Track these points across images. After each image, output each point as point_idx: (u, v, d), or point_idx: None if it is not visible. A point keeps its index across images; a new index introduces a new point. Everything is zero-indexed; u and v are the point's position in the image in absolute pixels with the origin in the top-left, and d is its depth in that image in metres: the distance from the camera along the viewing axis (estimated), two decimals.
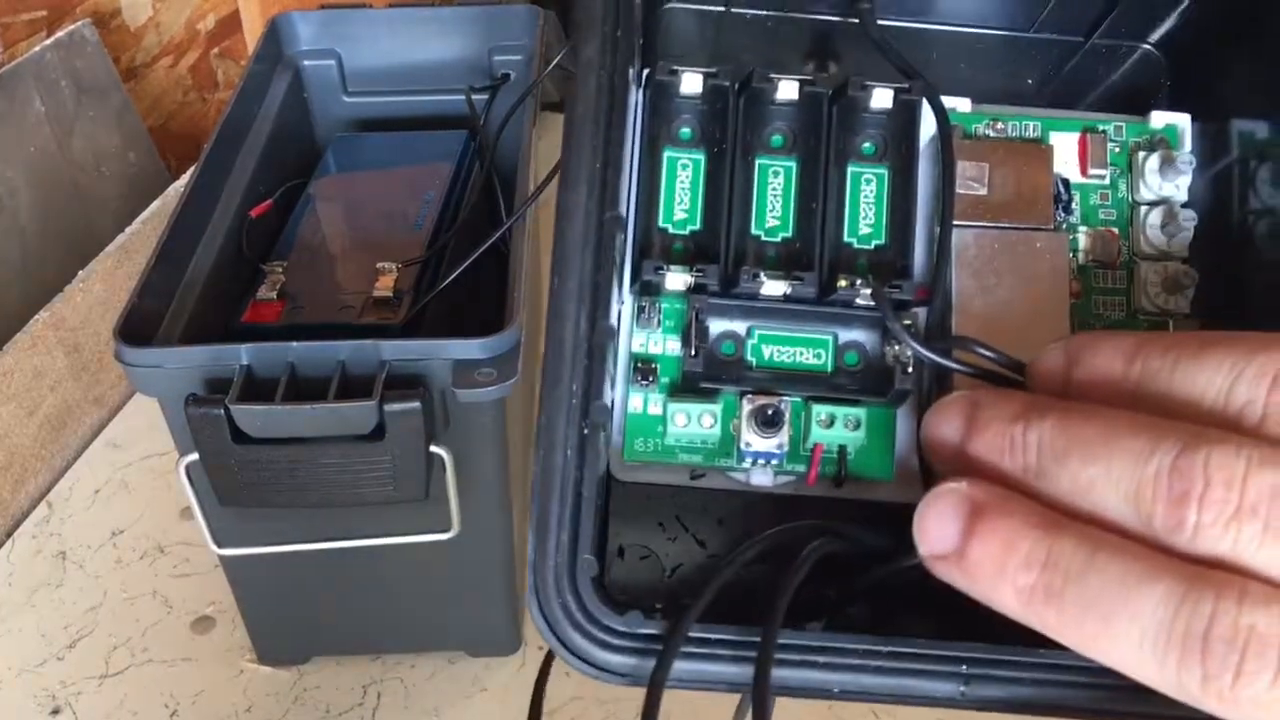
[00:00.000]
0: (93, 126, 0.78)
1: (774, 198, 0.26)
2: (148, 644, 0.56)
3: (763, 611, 0.21)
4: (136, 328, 0.42)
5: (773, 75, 0.26)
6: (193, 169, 0.52)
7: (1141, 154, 0.27)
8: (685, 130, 0.26)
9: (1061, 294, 0.26)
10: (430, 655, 0.55)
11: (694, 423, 0.26)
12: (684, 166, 0.26)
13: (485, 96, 0.65)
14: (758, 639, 0.21)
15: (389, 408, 0.40)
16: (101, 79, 0.79)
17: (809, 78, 0.26)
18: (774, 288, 0.25)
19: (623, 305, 0.26)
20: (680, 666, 0.21)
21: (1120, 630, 0.18)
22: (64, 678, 0.55)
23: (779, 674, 0.21)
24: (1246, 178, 0.26)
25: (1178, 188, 0.27)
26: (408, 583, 0.52)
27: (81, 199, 0.77)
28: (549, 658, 0.24)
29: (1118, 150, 0.28)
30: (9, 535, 0.62)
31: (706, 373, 0.25)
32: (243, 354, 0.40)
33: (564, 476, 0.22)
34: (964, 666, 0.21)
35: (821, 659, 0.21)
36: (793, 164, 0.26)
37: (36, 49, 0.73)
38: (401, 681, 0.54)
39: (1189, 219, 0.27)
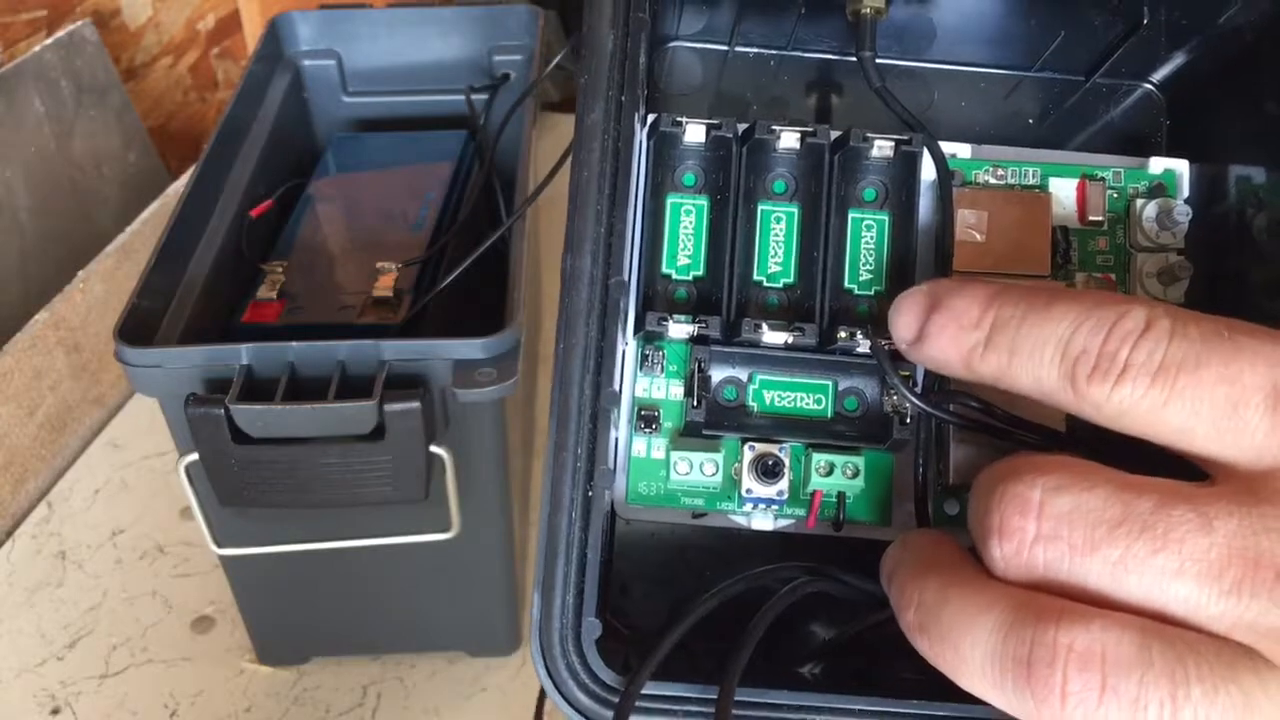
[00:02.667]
0: (92, 126, 0.78)
1: (776, 243, 0.27)
2: (148, 644, 0.56)
3: (724, 664, 0.22)
4: (136, 328, 0.42)
5: (775, 127, 0.26)
6: (193, 169, 0.52)
7: (1139, 201, 0.28)
8: (689, 176, 0.27)
9: None
10: (430, 655, 0.55)
11: (696, 470, 0.26)
12: (687, 212, 0.27)
13: (485, 96, 0.65)
14: (714, 696, 0.22)
15: (389, 408, 0.40)
16: (101, 79, 0.79)
17: (810, 129, 0.26)
18: (775, 337, 0.25)
19: (626, 347, 0.26)
20: None
21: (965, 659, 0.19)
22: (64, 678, 0.55)
23: None
24: (1244, 225, 0.26)
25: (1174, 236, 0.27)
26: (407, 583, 0.52)
27: (81, 199, 0.77)
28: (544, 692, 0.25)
29: (1116, 196, 0.28)
30: (9, 535, 0.62)
31: (709, 421, 0.26)
32: (243, 354, 0.40)
33: (569, 539, 0.22)
34: None
35: (809, 718, 0.22)
36: (795, 210, 0.27)
37: (36, 49, 0.73)
38: (401, 681, 0.54)
39: (1184, 269, 0.27)
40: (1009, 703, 0.19)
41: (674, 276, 0.26)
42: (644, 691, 0.22)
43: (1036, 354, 0.20)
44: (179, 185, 0.79)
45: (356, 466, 0.41)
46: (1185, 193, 0.28)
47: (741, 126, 0.26)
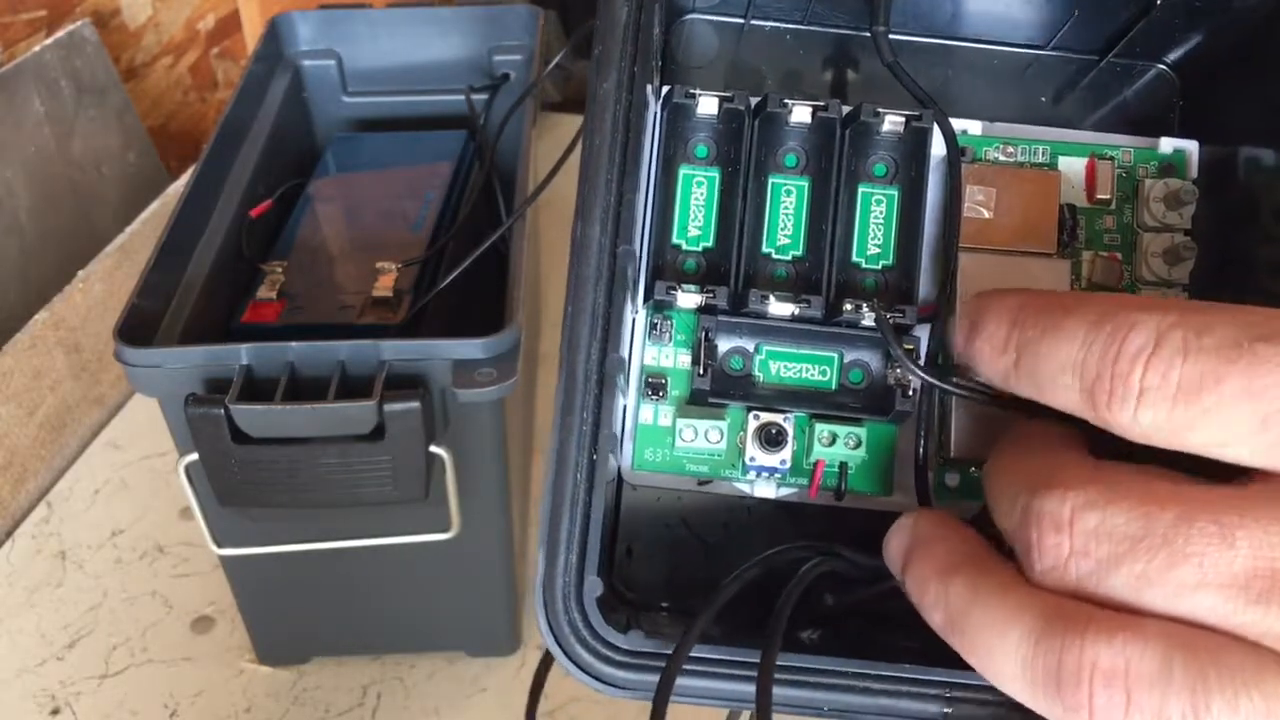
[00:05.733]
0: (92, 126, 0.78)
1: (786, 216, 0.27)
2: (147, 644, 0.56)
3: (764, 634, 0.23)
4: (136, 328, 0.42)
5: (786, 100, 0.26)
6: (192, 169, 0.52)
7: (1148, 181, 0.28)
8: (701, 148, 0.27)
9: None
10: (430, 655, 0.55)
11: (701, 437, 0.27)
12: (699, 184, 0.27)
13: (485, 96, 0.65)
14: (755, 659, 0.22)
15: (389, 408, 0.40)
16: (101, 79, 0.79)
17: (822, 104, 0.26)
18: (781, 309, 0.26)
19: (636, 316, 0.27)
20: (681, 683, 0.22)
21: (998, 665, 0.20)
22: (64, 678, 0.55)
23: (782, 693, 0.22)
24: (1252, 206, 0.27)
25: (1181, 217, 0.27)
26: (408, 583, 0.52)
27: (81, 199, 0.77)
28: (545, 662, 0.25)
29: (1125, 176, 0.28)
30: (9, 535, 0.62)
31: (714, 389, 0.26)
32: (242, 354, 0.40)
33: (573, 500, 0.23)
34: (948, 690, 0.23)
35: (813, 679, 0.23)
36: (805, 184, 0.27)
37: (36, 49, 0.73)
38: (401, 681, 0.54)
39: (1189, 249, 0.27)
40: (1041, 708, 0.19)
41: (684, 247, 0.27)
42: (664, 652, 0.23)
43: (1058, 379, 0.20)
44: (179, 185, 0.79)
45: (356, 466, 0.41)
46: (1194, 173, 0.28)
47: (754, 99, 0.27)
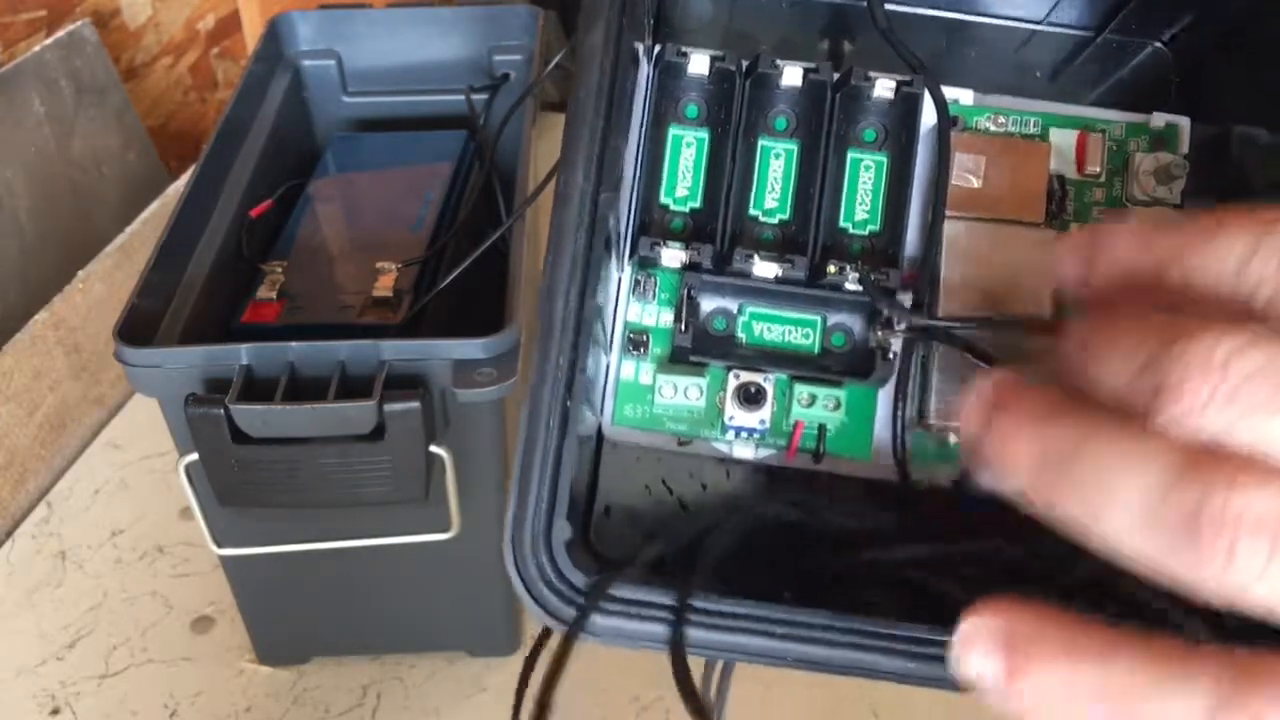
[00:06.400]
0: (92, 126, 0.78)
1: (774, 179, 0.27)
2: (147, 644, 0.56)
3: (683, 574, 0.23)
4: (136, 328, 0.42)
5: (778, 61, 0.26)
6: (192, 169, 0.52)
7: (1139, 155, 0.28)
8: (692, 108, 0.27)
9: (1046, 289, 0.27)
10: (430, 655, 0.55)
11: (681, 394, 0.27)
12: (688, 145, 0.27)
13: (485, 96, 0.65)
14: (674, 602, 0.22)
15: (389, 408, 0.40)
16: (101, 79, 0.79)
17: (813, 65, 0.26)
18: (765, 269, 0.26)
19: (621, 275, 0.27)
20: (640, 628, 0.22)
21: (1111, 512, 0.18)
22: (64, 678, 0.55)
23: (739, 640, 0.22)
24: (1243, 182, 0.27)
25: (1170, 191, 0.28)
26: (408, 583, 0.52)
27: (81, 199, 0.77)
28: (531, 660, 0.25)
29: (1115, 150, 0.28)
30: (9, 535, 0.62)
31: (695, 347, 0.26)
32: (242, 354, 0.40)
33: (545, 445, 0.22)
34: (913, 646, 0.22)
35: (780, 630, 0.22)
36: (794, 147, 0.27)
37: (36, 49, 0.73)
38: (401, 681, 0.54)
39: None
40: (1160, 558, 0.18)
41: (671, 207, 0.27)
42: (612, 593, 0.22)
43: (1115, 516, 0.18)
44: (179, 185, 0.79)
45: (356, 466, 0.41)
46: (1185, 148, 0.28)
47: (745, 61, 0.27)
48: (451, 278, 0.47)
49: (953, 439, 0.27)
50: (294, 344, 0.41)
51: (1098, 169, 0.28)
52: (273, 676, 0.55)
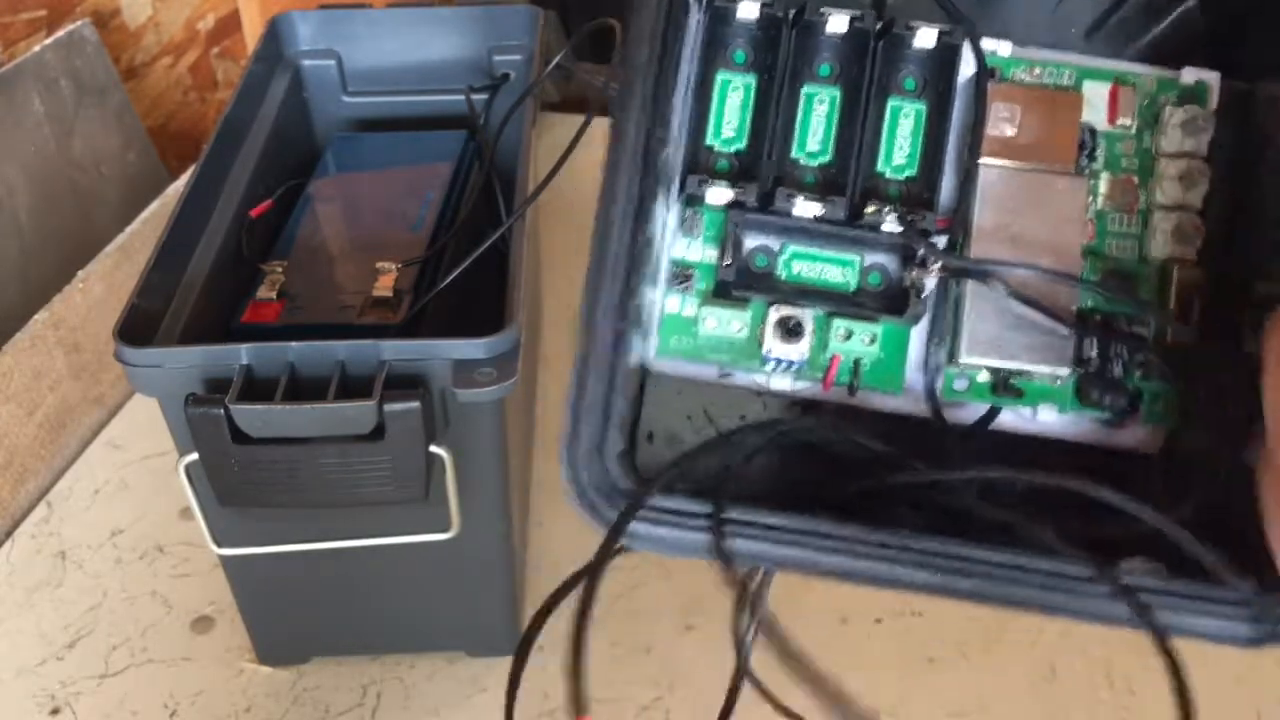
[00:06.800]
0: (92, 126, 0.78)
1: (817, 124, 0.28)
2: (147, 644, 0.56)
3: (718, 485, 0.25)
4: (136, 328, 0.42)
5: (823, 9, 0.28)
6: (192, 169, 0.52)
7: (1168, 108, 0.29)
8: (739, 54, 0.28)
9: (1076, 235, 0.28)
10: (430, 655, 0.55)
11: (723, 326, 0.28)
12: (735, 89, 0.28)
13: (485, 96, 0.65)
14: (712, 513, 0.24)
15: (389, 408, 0.40)
16: (101, 79, 0.79)
17: (858, 14, 0.28)
18: (806, 208, 0.27)
19: (669, 213, 0.28)
20: (679, 536, 0.24)
21: None
22: (63, 678, 0.55)
23: (772, 550, 0.24)
24: (1266, 137, 0.28)
25: (1198, 143, 0.28)
26: (408, 583, 0.52)
27: (81, 199, 0.77)
28: (522, 653, 0.26)
29: (1146, 103, 0.29)
30: (9, 535, 0.62)
31: (738, 282, 0.27)
32: (242, 354, 0.40)
33: (599, 366, 0.24)
34: (939, 559, 0.24)
35: (814, 542, 0.24)
36: (837, 93, 0.28)
37: (36, 49, 0.73)
38: (401, 681, 0.54)
39: (1203, 174, 0.28)
40: None
41: (717, 148, 0.28)
42: (655, 504, 0.24)
43: None
44: (179, 185, 0.79)
45: (356, 466, 0.41)
46: (1214, 104, 0.29)
47: (792, 9, 0.28)
48: (451, 278, 0.47)
49: (980, 376, 0.28)
50: (294, 344, 0.41)
51: (1129, 121, 0.29)
52: (273, 676, 0.55)
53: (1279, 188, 0.27)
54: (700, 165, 0.28)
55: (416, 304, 0.47)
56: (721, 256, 0.28)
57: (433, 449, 0.42)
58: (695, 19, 0.28)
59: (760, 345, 0.28)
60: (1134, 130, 0.29)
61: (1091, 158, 0.29)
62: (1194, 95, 0.29)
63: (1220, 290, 0.28)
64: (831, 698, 0.20)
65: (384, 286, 0.48)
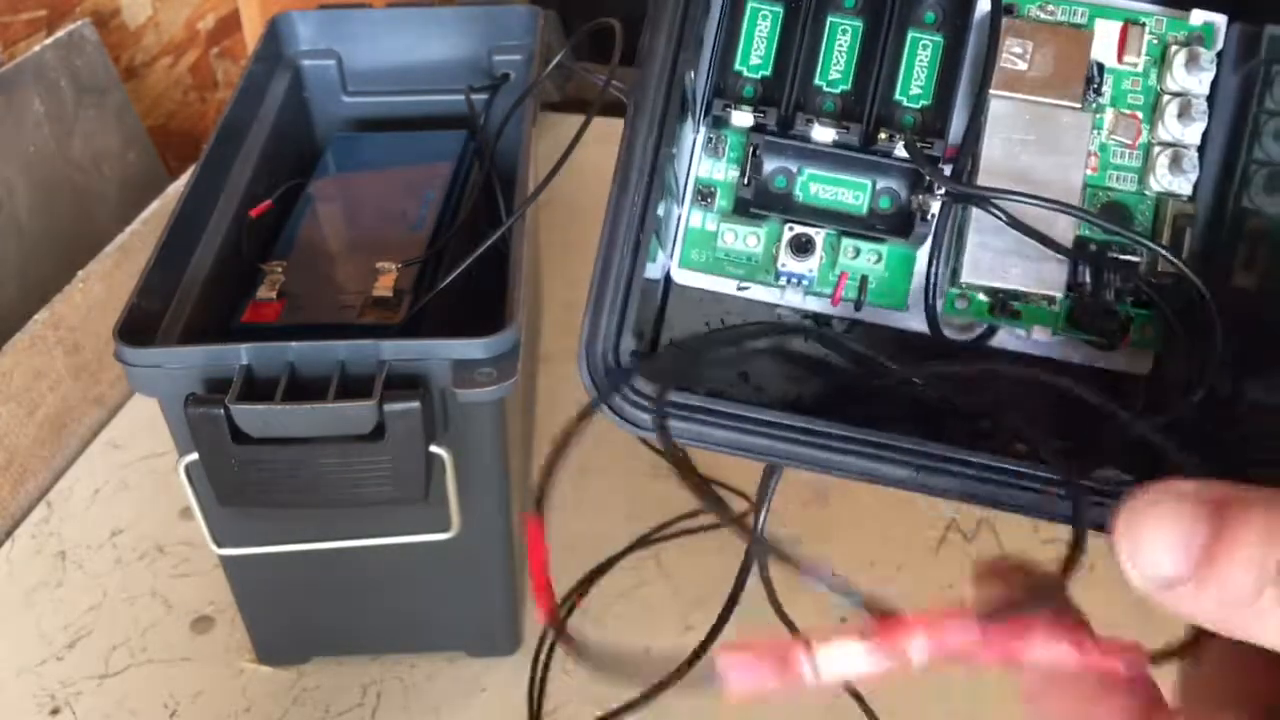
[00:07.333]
0: (92, 126, 0.78)
1: (839, 53, 0.30)
2: (147, 644, 0.56)
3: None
4: (136, 328, 0.42)
5: None
6: (192, 169, 0.52)
7: (1174, 48, 0.30)
8: None
9: (1078, 165, 0.30)
10: (430, 655, 0.55)
11: (740, 241, 0.30)
12: (764, 18, 0.30)
13: (485, 96, 0.65)
14: (756, 415, 0.26)
15: (389, 408, 0.40)
16: (101, 79, 0.79)
17: None
18: (823, 134, 0.29)
19: (696, 135, 0.30)
20: (694, 429, 0.26)
21: None
22: (63, 678, 0.55)
23: (776, 445, 0.26)
24: (1268, 79, 0.29)
25: (1200, 83, 0.30)
26: (408, 583, 0.52)
27: (81, 199, 0.77)
28: (546, 659, 0.27)
29: (1155, 42, 0.30)
30: (9, 535, 0.62)
31: (756, 200, 0.29)
32: (242, 354, 0.40)
33: (619, 271, 0.26)
34: (920, 459, 0.26)
35: (809, 439, 0.26)
36: (860, 24, 0.30)
37: (36, 49, 0.73)
38: (401, 681, 0.54)
39: (1201, 112, 0.30)
40: None
41: (745, 74, 0.30)
42: (676, 400, 0.26)
43: None
44: (179, 185, 0.79)
45: (356, 466, 0.41)
46: (1219, 45, 0.30)
47: None
48: (452, 278, 0.47)
49: (979, 296, 0.30)
50: (294, 344, 0.41)
51: (1136, 59, 0.30)
52: (273, 676, 0.55)
53: (1273, 124, 0.29)
54: (727, 90, 0.30)
55: (416, 304, 0.47)
56: (741, 176, 0.30)
57: (433, 449, 0.42)
58: None
59: (774, 260, 0.30)
60: (1141, 68, 0.30)
61: (1098, 93, 0.30)
62: (1201, 36, 0.30)
63: (1212, 224, 0.29)
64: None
65: (384, 286, 0.48)
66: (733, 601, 0.31)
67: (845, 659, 0.19)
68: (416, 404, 0.40)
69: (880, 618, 0.19)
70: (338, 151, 0.63)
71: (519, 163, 0.55)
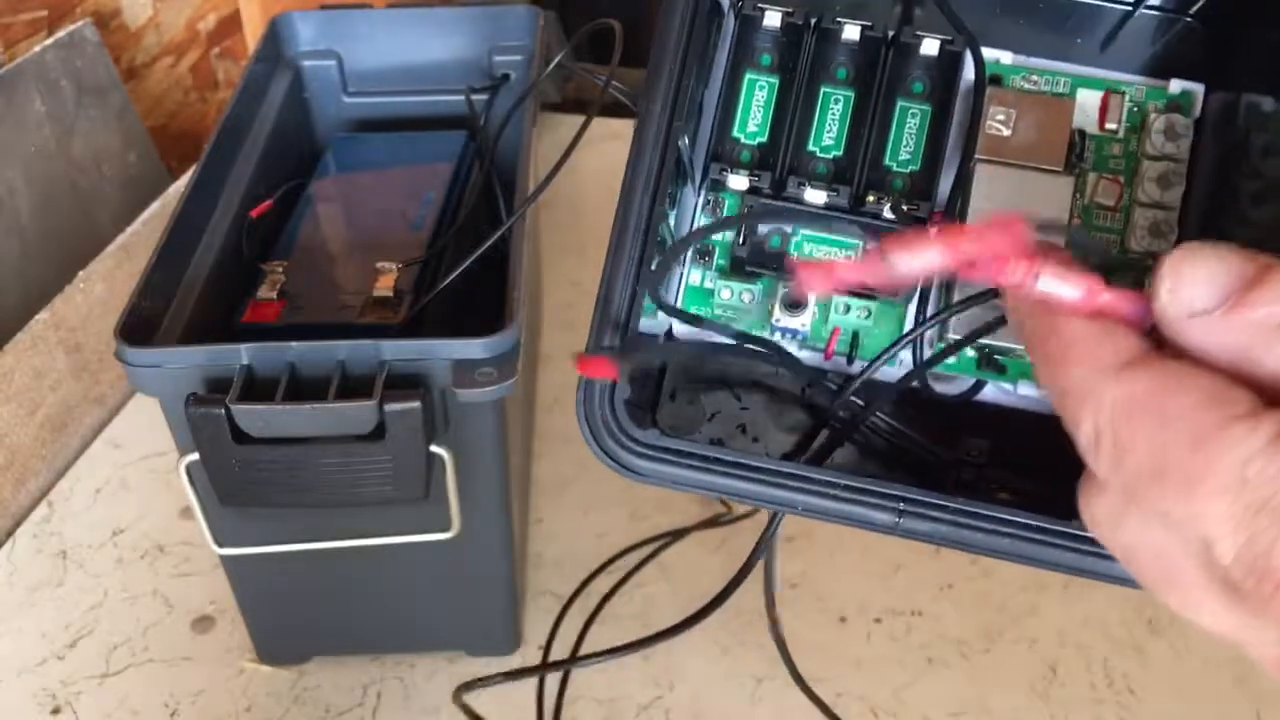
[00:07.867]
0: (93, 126, 0.78)
1: (832, 121, 0.31)
2: (148, 644, 0.56)
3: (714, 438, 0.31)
4: (137, 328, 0.42)
5: (839, 19, 0.31)
6: (193, 169, 0.52)
7: (1153, 115, 0.31)
8: (765, 57, 0.32)
9: (1058, 231, 0.30)
10: (430, 655, 0.55)
11: (736, 298, 0.31)
12: (760, 88, 0.32)
13: (485, 97, 0.65)
14: (745, 460, 0.27)
15: (389, 408, 0.40)
16: (101, 79, 0.79)
17: (869, 24, 0.31)
18: (815, 196, 0.30)
19: (697, 200, 0.32)
20: (681, 473, 0.27)
21: (1212, 474, 0.18)
22: (64, 677, 0.55)
23: (754, 489, 0.27)
24: (1246, 144, 0.30)
25: (1178, 148, 0.31)
26: (407, 583, 0.52)
27: (81, 199, 0.77)
28: (544, 663, 0.28)
29: (1135, 110, 0.31)
30: (10, 535, 0.62)
31: (751, 259, 0.31)
32: (243, 354, 0.41)
33: (615, 323, 0.27)
34: (901, 504, 0.26)
35: (789, 483, 0.27)
36: (851, 94, 0.31)
37: (37, 49, 0.73)
38: (401, 681, 0.54)
39: (1179, 176, 0.31)
40: (1241, 521, 0.18)
41: (742, 140, 0.31)
42: (679, 447, 0.27)
43: None
44: (179, 185, 0.79)
45: (356, 466, 0.42)
46: (1197, 113, 0.31)
47: (813, 17, 0.31)
48: (452, 278, 0.47)
49: (967, 352, 0.31)
50: (294, 344, 0.41)
51: (1116, 126, 0.31)
52: (273, 676, 0.55)
53: (1251, 190, 0.29)
54: (725, 155, 0.31)
55: (417, 304, 0.47)
56: (737, 236, 0.31)
57: (433, 449, 0.42)
58: (730, 26, 0.31)
59: (770, 314, 0.31)
60: (1121, 135, 0.31)
61: (1081, 159, 0.31)
62: (1180, 105, 0.31)
63: None
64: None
65: (384, 286, 0.48)
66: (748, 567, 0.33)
67: (917, 256, 0.21)
68: (417, 404, 0.40)
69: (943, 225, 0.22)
70: (338, 152, 0.63)
71: (519, 163, 0.55)
